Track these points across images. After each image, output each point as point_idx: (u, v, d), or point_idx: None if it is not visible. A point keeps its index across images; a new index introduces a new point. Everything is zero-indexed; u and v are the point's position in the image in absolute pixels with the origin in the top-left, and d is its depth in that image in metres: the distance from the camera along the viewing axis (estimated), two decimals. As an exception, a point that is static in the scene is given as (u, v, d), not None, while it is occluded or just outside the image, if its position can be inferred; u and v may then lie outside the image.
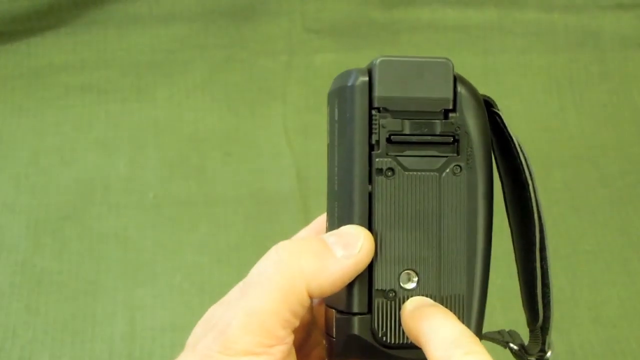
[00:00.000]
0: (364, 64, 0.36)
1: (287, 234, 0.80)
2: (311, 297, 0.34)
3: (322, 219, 0.41)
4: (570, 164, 0.94)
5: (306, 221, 0.90)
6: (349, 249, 0.34)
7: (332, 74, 0.38)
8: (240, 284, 0.35)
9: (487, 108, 0.37)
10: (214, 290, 0.81)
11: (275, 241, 0.35)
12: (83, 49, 1.00)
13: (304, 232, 0.43)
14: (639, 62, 1.03)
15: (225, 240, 0.85)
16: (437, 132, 0.36)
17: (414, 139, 0.35)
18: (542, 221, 0.37)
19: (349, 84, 0.35)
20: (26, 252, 0.84)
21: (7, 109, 0.96)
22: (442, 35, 1.03)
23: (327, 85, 0.38)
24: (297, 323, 0.34)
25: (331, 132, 0.37)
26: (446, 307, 0.35)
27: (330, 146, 0.37)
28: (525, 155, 0.37)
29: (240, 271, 0.35)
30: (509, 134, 0.38)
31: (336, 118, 0.36)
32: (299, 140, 0.94)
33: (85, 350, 0.77)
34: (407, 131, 0.35)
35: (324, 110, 0.38)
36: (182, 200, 0.89)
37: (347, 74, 0.36)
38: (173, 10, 1.02)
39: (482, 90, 0.38)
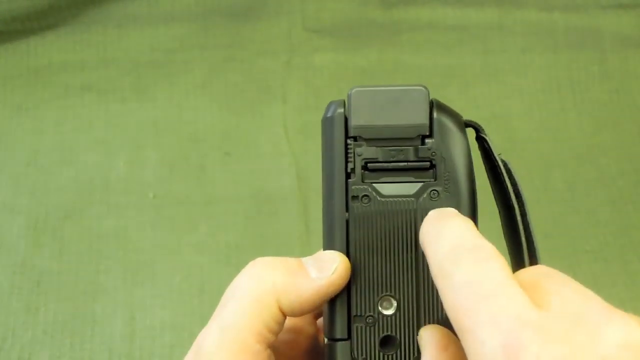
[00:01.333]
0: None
1: (287, 234, 0.80)
2: (284, 314, 0.34)
3: None
4: (570, 164, 0.94)
5: (306, 221, 0.90)
6: (323, 272, 0.35)
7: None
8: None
9: (476, 133, 0.38)
10: (214, 290, 0.81)
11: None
12: (83, 48, 1.00)
13: None
14: (639, 62, 1.03)
15: (224, 240, 0.85)
16: (413, 158, 0.36)
17: (390, 165, 0.36)
18: (535, 246, 0.38)
19: (328, 115, 0.37)
20: (26, 252, 0.84)
21: (7, 108, 0.96)
22: (442, 35, 1.03)
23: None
24: (272, 338, 0.34)
25: (321, 162, 0.38)
26: None
27: (322, 175, 0.38)
28: (516, 179, 0.38)
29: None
30: (495, 158, 0.38)
31: (322, 148, 0.38)
32: (299, 140, 0.94)
33: (85, 350, 0.77)
34: (382, 158, 0.36)
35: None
36: (182, 200, 0.89)
37: (329, 106, 0.37)
38: (173, 10, 1.02)
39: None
